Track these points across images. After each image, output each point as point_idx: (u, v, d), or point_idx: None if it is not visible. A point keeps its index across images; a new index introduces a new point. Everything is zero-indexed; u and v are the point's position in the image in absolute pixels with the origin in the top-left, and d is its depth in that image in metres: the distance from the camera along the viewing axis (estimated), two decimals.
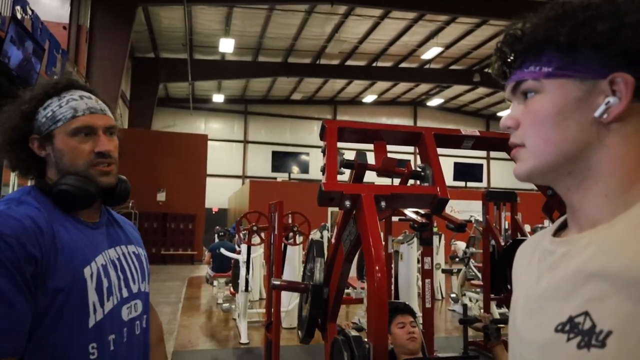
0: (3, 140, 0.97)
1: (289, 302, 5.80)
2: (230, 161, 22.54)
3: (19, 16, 6.48)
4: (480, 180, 19.81)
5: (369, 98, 22.44)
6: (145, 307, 1.05)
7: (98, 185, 0.96)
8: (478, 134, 1.82)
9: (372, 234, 1.26)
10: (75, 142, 0.95)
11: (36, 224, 0.85)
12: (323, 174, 1.45)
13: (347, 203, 1.36)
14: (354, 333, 1.23)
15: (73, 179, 0.93)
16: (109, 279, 0.94)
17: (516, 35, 0.60)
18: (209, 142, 16.44)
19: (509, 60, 0.61)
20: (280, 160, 21.83)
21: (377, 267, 1.20)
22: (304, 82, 20.63)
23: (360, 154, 1.49)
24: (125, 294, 0.98)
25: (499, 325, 2.18)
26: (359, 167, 1.50)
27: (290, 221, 4.92)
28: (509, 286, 4.03)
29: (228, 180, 22.05)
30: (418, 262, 6.19)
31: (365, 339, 1.24)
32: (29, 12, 7.02)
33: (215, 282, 8.03)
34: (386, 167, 1.52)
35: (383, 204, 1.38)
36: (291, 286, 2.56)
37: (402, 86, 21.33)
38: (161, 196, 14.66)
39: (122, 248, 1.04)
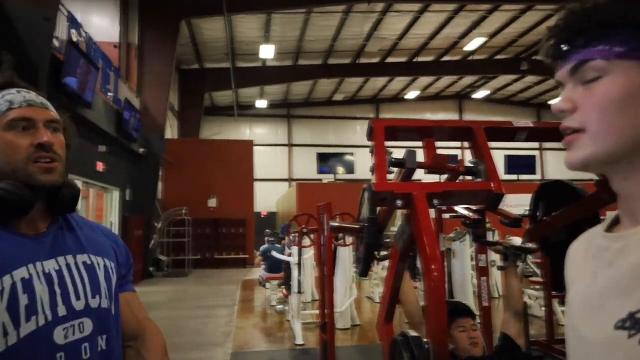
0: None
1: (343, 303, 5.81)
2: (276, 165, 22.90)
3: (74, 39, 6.92)
4: (534, 173, 18.97)
5: (412, 94, 22.08)
6: (101, 327, 0.90)
7: (38, 185, 0.85)
8: (531, 125, 1.75)
9: (427, 232, 1.25)
10: (11, 136, 0.85)
11: None
12: (373, 175, 1.44)
13: (399, 202, 1.35)
14: (412, 333, 1.22)
15: (5, 184, 0.82)
16: (32, 295, 0.80)
17: (582, 13, 0.57)
18: (255, 148, 16.80)
19: (570, 38, 0.58)
20: (325, 162, 21.92)
21: (433, 267, 1.19)
22: (345, 83, 20.62)
23: (410, 152, 1.48)
24: (62, 312, 0.83)
25: (518, 251, 2.15)
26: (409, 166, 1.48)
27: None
28: None
29: (275, 184, 22.40)
30: (472, 259, 6.02)
31: (425, 340, 1.23)
32: (84, 34, 7.47)
33: (268, 285, 8.17)
34: (437, 164, 1.50)
35: (436, 202, 1.36)
36: (348, 228, 2.64)
37: (446, 80, 20.83)
38: (212, 202, 15.12)
39: (67, 259, 0.88)
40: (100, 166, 8.95)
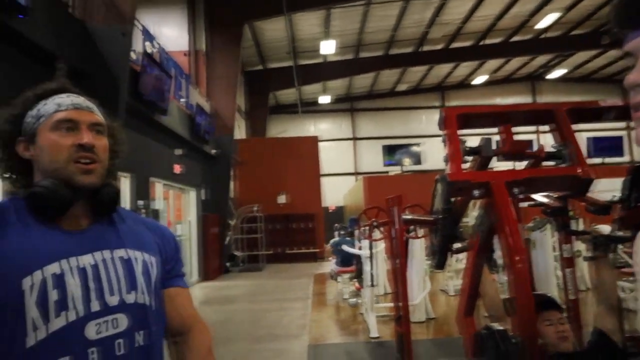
0: None
1: (416, 296, 5.73)
2: (342, 159, 22.96)
3: (149, 50, 7.38)
4: (621, 155, 17.40)
5: (480, 79, 21.12)
6: (138, 322, 0.89)
7: (76, 185, 0.87)
8: (620, 103, 1.61)
9: (508, 222, 1.20)
10: (55, 136, 0.88)
11: None
12: (446, 165, 1.41)
13: (476, 192, 1.30)
14: (498, 327, 1.17)
15: (46, 182, 0.86)
16: (63, 290, 0.81)
17: None
18: (320, 143, 16.96)
19: None
20: (391, 154, 21.60)
21: (517, 258, 1.13)
22: (408, 72, 20.17)
23: (486, 140, 1.42)
24: (95, 307, 0.84)
25: (609, 240, 1.95)
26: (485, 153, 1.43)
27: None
28: None
29: (341, 178, 22.48)
30: (554, 249, 5.66)
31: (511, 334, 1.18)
32: (156, 45, 7.95)
33: (339, 278, 8.25)
34: (516, 150, 1.43)
35: (516, 190, 1.30)
36: (421, 220, 2.59)
37: (516, 61, 19.68)
38: (282, 199, 15.50)
39: (103, 253, 0.89)
40: (177, 168, 9.51)
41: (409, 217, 2.55)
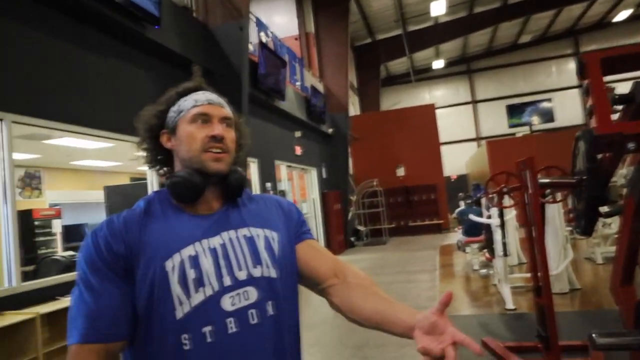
0: (142, 137, 1.07)
1: (556, 265, 5.28)
2: (461, 125, 21.80)
3: (263, 40, 7.76)
4: None
5: (622, 15, 18.13)
6: (266, 293, 0.96)
7: (208, 171, 0.98)
8: None
9: None
10: (192, 128, 1.00)
11: (126, 224, 0.94)
12: (590, 118, 1.25)
13: (631, 145, 1.14)
14: None
15: (182, 172, 0.98)
16: (198, 269, 0.92)
17: None
18: (437, 110, 16.28)
19: None
20: (516, 114, 19.90)
21: None
22: (531, 20, 18.17)
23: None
24: (227, 282, 0.93)
25: None
26: None
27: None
28: None
29: (462, 145, 21.41)
30: None
31: None
32: (270, 34, 8.32)
33: (467, 249, 7.95)
34: None
35: None
36: (561, 183, 2.35)
37: None
38: (400, 171, 15.34)
39: (229, 233, 0.99)
40: (297, 150, 9.97)
41: (546, 180, 2.32)
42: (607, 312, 4.65)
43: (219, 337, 0.90)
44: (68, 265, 4.17)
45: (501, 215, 5.27)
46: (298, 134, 9.95)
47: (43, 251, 7.57)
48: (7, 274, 3.31)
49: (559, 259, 5.37)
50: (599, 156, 1.61)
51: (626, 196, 1.42)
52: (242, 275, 0.95)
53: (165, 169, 1.08)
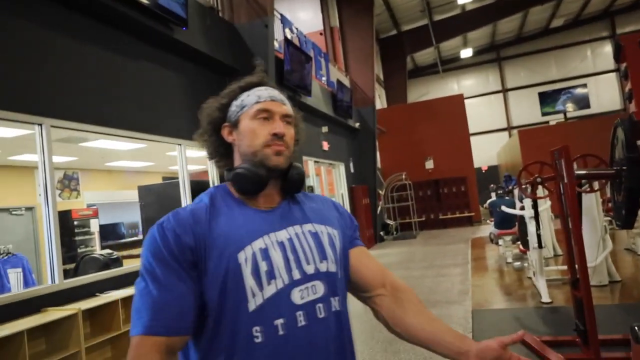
0: (203, 129, 1.08)
1: (596, 256, 5.11)
2: (491, 115, 21.30)
3: (288, 37, 7.78)
4: None
5: None
6: (331, 289, 0.98)
7: (270, 165, 0.99)
8: None
9: None
10: (255, 124, 1.01)
11: (194, 216, 0.94)
12: (630, 102, 1.20)
13: None
14: None
15: (247, 164, 1.00)
16: (269, 262, 0.93)
17: None
18: (466, 101, 15.95)
19: None
20: (550, 101, 19.28)
21: None
22: (564, 3, 17.54)
23: None
24: (296, 275, 0.94)
25: None
26: None
27: (579, 167, 4.29)
28: None
29: (492, 135, 20.93)
30: None
31: None
32: (295, 30, 8.33)
33: (500, 241, 7.79)
34: None
35: None
36: (599, 174, 2.27)
37: None
38: (429, 164, 15.13)
39: (295, 228, 1.00)
40: (325, 145, 9.97)
41: (583, 171, 2.23)
42: None
43: (290, 330, 0.90)
44: (106, 263, 4.32)
45: (535, 206, 5.12)
46: (325, 129, 9.95)
47: (82, 250, 7.87)
48: (50, 272, 3.46)
49: (597, 251, 5.19)
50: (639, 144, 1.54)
51: None
52: (310, 269, 0.96)
53: (224, 162, 1.10)
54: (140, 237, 7.64)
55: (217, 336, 0.90)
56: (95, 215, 8.62)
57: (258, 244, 0.93)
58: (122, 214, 10.30)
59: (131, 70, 4.47)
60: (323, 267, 0.98)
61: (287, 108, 1.06)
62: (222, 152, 1.08)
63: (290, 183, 1.04)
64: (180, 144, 5.05)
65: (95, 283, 3.73)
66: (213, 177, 5.60)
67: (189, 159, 5.22)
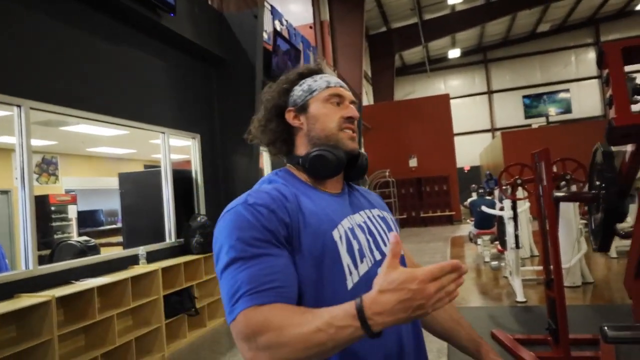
0: (263, 115, 1.08)
1: (570, 258, 5.23)
2: (476, 116, 21.55)
3: (278, 28, 7.72)
4: None
5: None
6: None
7: (345, 149, 1.00)
8: None
9: None
10: (328, 107, 1.02)
11: (281, 193, 0.92)
12: (610, 108, 1.23)
13: None
14: None
15: (328, 145, 0.99)
16: (358, 241, 0.93)
17: None
18: (452, 101, 16.10)
19: None
20: (533, 105, 19.59)
21: None
22: (551, 9, 17.79)
23: None
24: (378, 256, 0.96)
25: None
26: None
27: (558, 170, 4.38)
28: None
29: (476, 136, 21.19)
30: None
31: None
32: (284, 22, 8.27)
33: (479, 241, 7.91)
34: None
35: None
36: (577, 196, 2.30)
37: None
38: (413, 162, 15.25)
39: (366, 212, 1.03)
40: None
41: (561, 194, 2.23)
42: (619, 307, 4.60)
43: None
44: (83, 250, 4.25)
45: (514, 207, 5.22)
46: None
47: (59, 236, 7.72)
48: (24, 258, 3.39)
49: (571, 252, 5.31)
50: (618, 167, 1.57)
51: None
52: (386, 250, 0.97)
53: (286, 147, 1.08)
54: (119, 225, 7.52)
55: None
56: (74, 201, 8.47)
57: (345, 223, 0.94)
58: (101, 201, 10.13)
59: (116, 55, 4.38)
60: None
61: (351, 95, 1.08)
62: (284, 137, 1.07)
63: (358, 169, 1.06)
64: (163, 132, 4.98)
65: (71, 270, 3.67)
66: (196, 167, 5.55)
67: (172, 148, 5.15)
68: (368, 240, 0.95)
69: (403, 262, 1.05)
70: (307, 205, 0.92)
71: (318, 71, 1.09)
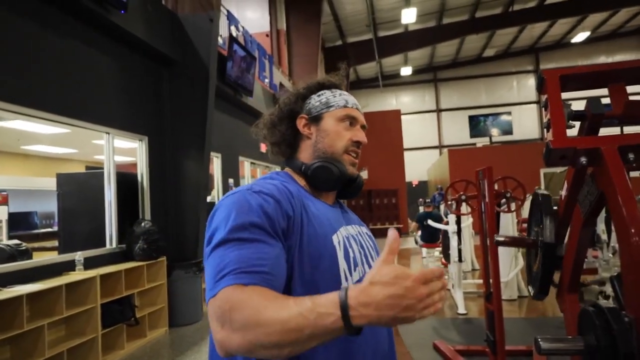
0: (276, 115, 1.09)
1: (508, 272, 5.48)
2: (425, 132, 22.31)
3: (234, 34, 7.64)
4: None
5: (580, 37, 19.09)
6: None
7: (344, 173, 1.02)
8: None
9: (622, 192, 1.08)
10: (341, 126, 1.03)
11: (288, 189, 0.92)
12: (548, 131, 1.30)
13: (583, 160, 1.19)
14: (607, 304, 1.09)
15: (332, 160, 1.01)
16: (352, 250, 0.95)
17: None
18: (402, 116, 16.57)
19: None
20: (478, 125, 20.54)
21: (632, 230, 1.03)
22: (496, 36, 18.84)
23: (594, 101, 1.29)
24: (367, 269, 0.96)
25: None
26: (593, 117, 1.29)
27: (499, 187, 4.60)
28: None
29: (425, 152, 21.90)
30: None
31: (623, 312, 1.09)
32: (241, 29, 8.20)
33: (424, 253, 8.13)
34: (632, 112, 1.27)
35: (631, 156, 1.17)
36: (517, 241, 2.39)
37: (625, 13, 17.49)
38: (363, 174, 15.51)
39: (355, 227, 1.05)
40: (263, 147, 9.88)
41: (502, 238, 2.29)
42: (551, 320, 4.87)
43: None
44: (12, 255, 3.95)
45: (458, 222, 5.42)
46: (264, 131, 9.85)
47: None
48: None
49: (509, 267, 5.58)
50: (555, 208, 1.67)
51: (575, 209, 1.49)
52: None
53: (289, 150, 1.08)
54: (55, 228, 7.07)
55: None
56: (5, 201, 7.88)
57: (343, 231, 0.96)
58: (36, 202, 9.50)
59: (59, 48, 4.15)
60: None
61: (364, 119, 1.10)
62: (290, 141, 1.07)
63: (353, 189, 1.07)
64: (108, 132, 4.76)
65: None
66: (142, 171, 5.33)
67: (117, 150, 4.93)
68: (360, 252, 0.97)
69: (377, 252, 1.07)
70: (310, 206, 0.94)
71: (338, 86, 1.10)
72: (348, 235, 0.97)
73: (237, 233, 0.80)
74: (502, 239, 2.26)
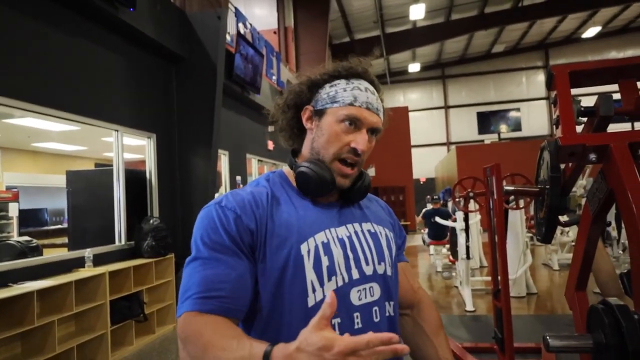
0: (285, 100, 1.00)
1: (515, 269, 5.45)
2: (433, 129, 22.19)
3: (241, 31, 7.65)
4: None
5: (590, 32, 18.79)
6: (386, 292, 0.94)
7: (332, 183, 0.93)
8: None
9: (632, 188, 1.07)
10: (339, 128, 0.92)
11: (255, 199, 0.88)
12: (557, 128, 1.29)
13: (593, 156, 1.18)
14: (617, 302, 1.08)
15: (319, 166, 0.91)
16: (331, 257, 0.87)
17: None
18: (410, 113, 16.50)
19: None
20: (486, 121, 20.41)
21: None
22: (505, 31, 18.65)
23: (605, 97, 1.27)
24: (355, 275, 0.89)
25: None
26: (602, 115, 1.28)
27: (507, 184, 4.57)
28: None
29: (432, 149, 21.79)
30: None
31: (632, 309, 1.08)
32: (248, 26, 8.20)
33: (432, 251, 8.10)
34: None
35: None
36: (524, 191, 2.45)
37: (636, 8, 17.22)
38: (371, 172, 15.48)
39: (354, 226, 0.95)
40: (270, 145, 9.90)
41: (512, 187, 2.39)
42: (560, 317, 4.84)
43: (346, 330, 0.83)
44: (23, 251, 4.00)
45: (466, 219, 5.39)
46: (271, 128, 9.88)
47: None
48: None
49: (518, 264, 5.55)
50: (562, 166, 1.67)
51: (584, 206, 1.48)
52: (368, 270, 0.91)
53: (293, 141, 1.01)
54: (65, 225, 7.15)
55: (269, 329, 0.85)
56: (15, 198, 7.98)
57: (320, 237, 0.88)
58: (46, 199, 9.61)
59: (69, 47, 4.18)
60: (381, 269, 0.94)
61: (379, 119, 0.97)
62: (295, 132, 1.00)
63: (354, 192, 0.97)
64: (117, 130, 4.80)
65: (9, 272, 3.44)
66: (150, 168, 5.37)
67: (126, 147, 4.97)
68: (347, 257, 0.89)
69: (396, 278, 1.00)
70: (281, 214, 0.88)
71: (357, 75, 0.98)
72: (329, 239, 0.89)
73: (203, 252, 0.84)
74: (511, 188, 2.41)
